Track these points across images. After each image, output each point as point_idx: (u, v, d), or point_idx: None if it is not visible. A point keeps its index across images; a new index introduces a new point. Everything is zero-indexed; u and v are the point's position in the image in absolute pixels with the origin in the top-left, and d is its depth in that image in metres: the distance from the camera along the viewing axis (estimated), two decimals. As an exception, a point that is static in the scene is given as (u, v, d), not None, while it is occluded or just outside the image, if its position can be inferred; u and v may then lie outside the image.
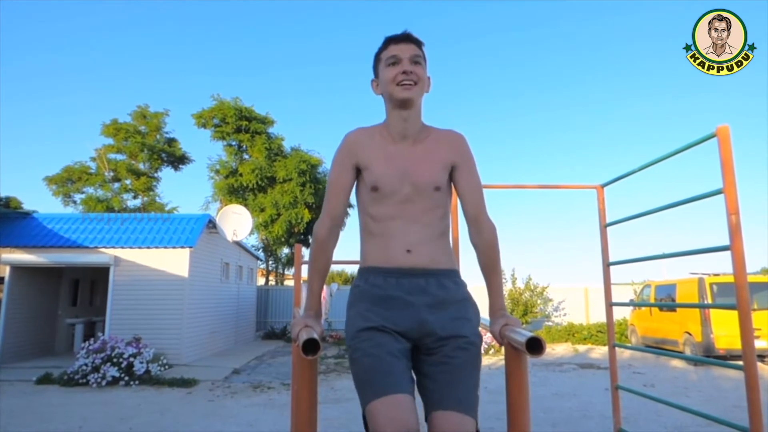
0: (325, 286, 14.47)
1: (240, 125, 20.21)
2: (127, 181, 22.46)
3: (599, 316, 17.03)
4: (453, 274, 1.77)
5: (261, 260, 21.28)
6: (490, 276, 1.81)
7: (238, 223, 13.03)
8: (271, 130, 21.10)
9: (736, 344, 3.07)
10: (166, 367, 9.83)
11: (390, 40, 1.83)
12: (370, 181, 1.77)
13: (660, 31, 39.08)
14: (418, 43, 1.83)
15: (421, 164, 1.77)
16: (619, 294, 16.71)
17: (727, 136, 2.72)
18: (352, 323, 1.70)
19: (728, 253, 2.67)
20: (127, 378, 8.80)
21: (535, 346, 1.45)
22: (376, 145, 1.81)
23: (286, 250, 22.46)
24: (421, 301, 1.67)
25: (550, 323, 18.00)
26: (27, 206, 18.63)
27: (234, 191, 20.30)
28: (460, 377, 1.60)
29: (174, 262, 11.26)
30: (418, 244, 1.72)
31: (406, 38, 1.81)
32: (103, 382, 8.63)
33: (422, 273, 1.70)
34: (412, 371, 1.68)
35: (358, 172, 1.83)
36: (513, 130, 40.50)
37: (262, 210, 19.67)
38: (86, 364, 8.87)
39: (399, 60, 1.78)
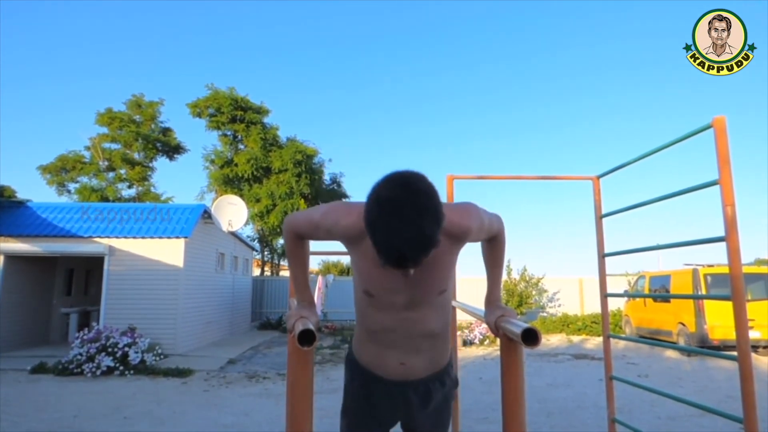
0: (321, 277, 14.37)
1: (235, 115, 20.08)
2: (122, 171, 22.31)
3: (594, 307, 17.11)
4: (442, 374, 1.82)
5: (256, 251, 21.27)
6: (492, 267, 1.82)
7: (233, 213, 13.01)
8: (266, 119, 21.00)
9: (730, 335, 3.09)
10: (162, 356, 9.84)
11: (389, 260, 1.35)
12: (362, 284, 1.63)
13: (660, 30, 39.04)
14: (428, 254, 1.35)
15: (424, 271, 1.52)
16: (614, 285, 16.79)
17: (723, 127, 2.70)
18: (352, 421, 1.88)
19: (723, 244, 2.66)
20: (122, 368, 8.80)
21: (530, 337, 1.44)
22: (370, 244, 1.45)
23: (281, 241, 22.43)
24: (405, 414, 1.81)
25: (545, 314, 18.09)
26: (21, 195, 18.47)
27: (229, 181, 20.21)
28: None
29: (169, 252, 11.22)
30: (414, 356, 1.70)
31: (412, 263, 1.36)
32: (98, 372, 8.63)
33: (412, 383, 1.75)
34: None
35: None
36: (510, 122, 40.44)
37: (258, 200, 19.61)
38: (81, 354, 8.86)
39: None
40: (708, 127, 2.79)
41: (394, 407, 1.77)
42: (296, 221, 1.75)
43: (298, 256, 1.81)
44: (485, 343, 13.20)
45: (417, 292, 1.58)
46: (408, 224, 1.28)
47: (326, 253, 24.37)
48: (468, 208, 1.63)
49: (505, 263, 17.67)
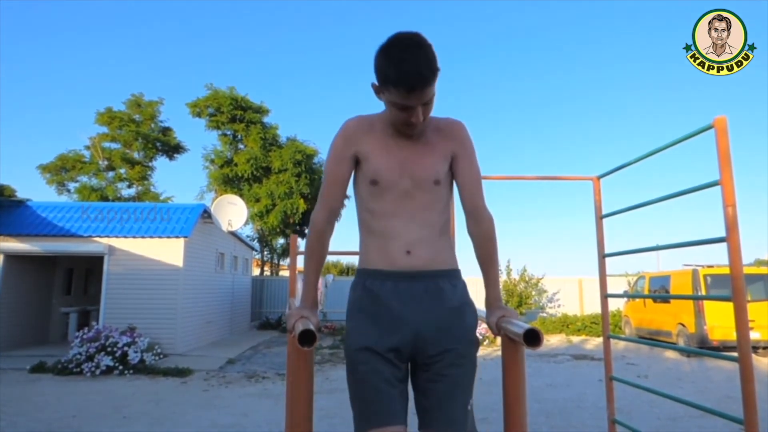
0: (320, 278, 14.48)
1: (235, 115, 20.06)
2: (122, 170, 22.29)
3: (593, 308, 17.11)
4: (452, 276, 1.73)
5: (256, 250, 21.25)
6: (487, 268, 1.78)
7: (233, 213, 13.00)
8: (265, 119, 20.97)
9: (730, 335, 3.08)
10: (161, 356, 9.83)
11: (402, 84, 1.55)
12: (369, 174, 1.72)
13: (660, 30, 39.07)
14: (433, 80, 1.59)
15: (420, 157, 1.72)
16: (614, 285, 16.78)
17: (725, 127, 2.70)
18: (351, 338, 1.69)
19: (722, 244, 2.66)
20: (121, 367, 8.80)
21: (532, 338, 1.44)
22: (376, 135, 1.74)
23: (281, 241, 22.42)
24: (416, 314, 1.64)
25: (545, 314, 18.08)
26: (21, 194, 18.46)
27: (229, 181, 20.20)
28: (452, 396, 1.63)
29: (169, 251, 11.22)
30: (418, 244, 1.68)
31: (421, 84, 1.55)
32: (98, 371, 8.62)
33: (420, 276, 1.67)
34: (411, 384, 1.70)
35: (356, 162, 1.77)
36: (511, 123, 40.49)
37: (257, 200, 19.59)
38: (80, 353, 8.86)
39: (409, 108, 1.61)
40: (709, 127, 2.79)
41: (399, 316, 1.64)
42: (316, 207, 1.81)
43: (316, 254, 1.81)
44: (485, 343, 13.19)
45: (415, 174, 1.70)
46: (413, 52, 1.55)
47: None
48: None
49: (505, 263, 17.69)
